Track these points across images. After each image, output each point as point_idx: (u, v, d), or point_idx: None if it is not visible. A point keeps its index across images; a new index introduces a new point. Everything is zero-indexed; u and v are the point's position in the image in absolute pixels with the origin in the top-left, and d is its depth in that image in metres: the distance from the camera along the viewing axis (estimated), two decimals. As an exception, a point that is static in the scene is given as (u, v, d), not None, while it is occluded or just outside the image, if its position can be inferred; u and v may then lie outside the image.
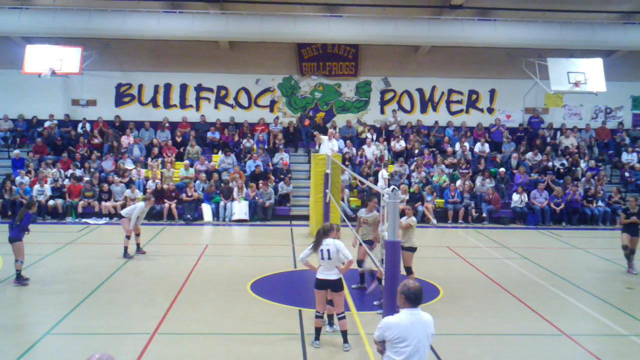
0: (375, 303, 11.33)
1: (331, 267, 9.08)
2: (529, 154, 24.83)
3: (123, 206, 19.45)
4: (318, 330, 9.34)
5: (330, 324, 9.94)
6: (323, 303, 9.33)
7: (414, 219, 11.79)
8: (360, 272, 12.53)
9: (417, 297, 5.58)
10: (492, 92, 27.13)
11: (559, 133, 26.57)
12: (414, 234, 11.74)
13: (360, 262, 12.21)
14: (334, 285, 9.10)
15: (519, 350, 9.48)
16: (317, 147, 21.00)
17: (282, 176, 23.06)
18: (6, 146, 24.79)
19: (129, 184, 21.86)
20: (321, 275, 9.14)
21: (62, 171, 22.68)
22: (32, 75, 22.61)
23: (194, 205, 21.53)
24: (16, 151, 23.82)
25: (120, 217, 15.75)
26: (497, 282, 13.52)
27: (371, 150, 24.16)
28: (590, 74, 23.26)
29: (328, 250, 9.05)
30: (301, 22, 22.96)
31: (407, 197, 20.86)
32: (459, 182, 22.72)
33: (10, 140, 24.96)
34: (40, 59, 22.24)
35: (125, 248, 15.23)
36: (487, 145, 25.29)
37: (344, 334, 9.19)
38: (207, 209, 21.43)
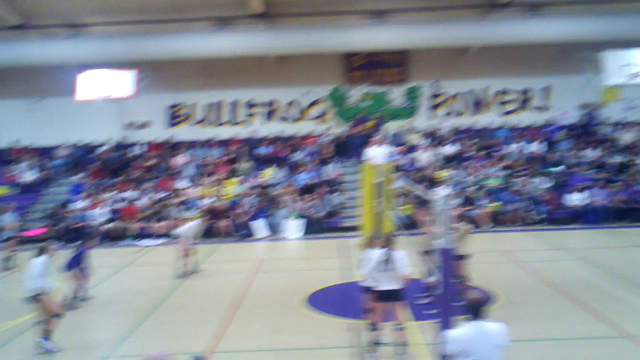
0: (427, 312, 11.10)
1: (394, 277, 8.94)
2: (587, 151, 24.10)
3: (176, 226, 19.71)
4: (376, 343, 9.19)
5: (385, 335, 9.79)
6: (384, 314, 9.20)
7: (469, 226, 11.52)
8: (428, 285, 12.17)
9: (476, 308, 5.44)
10: (546, 90, 26.48)
11: (617, 128, 25.71)
12: (467, 242, 11.45)
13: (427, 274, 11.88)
14: (397, 295, 8.98)
15: (581, 354, 9.19)
16: (367, 155, 20.82)
17: (332, 187, 22.99)
18: (66, 172, 25.48)
19: (183, 203, 22.14)
20: (385, 286, 8.98)
21: (117, 194, 23.15)
22: (83, 102, 23.17)
23: (248, 221, 21.64)
24: (75, 177, 24.44)
25: (176, 236, 15.91)
26: (558, 285, 13.11)
27: (423, 156, 23.87)
28: (647, 65, 22.45)
29: (391, 262, 8.92)
30: (348, 32, 22.84)
31: (460, 201, 20.50)
32: (513, 184, 22.24)
33: (70, 166, 25.63)
34: (94, 84, 22.81)
35: (182, 267, 15.38)
36: (542, 144, 24.64)
37: (403, 345, 9.02)
38: (259, 225, 21.48)
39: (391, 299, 9.00)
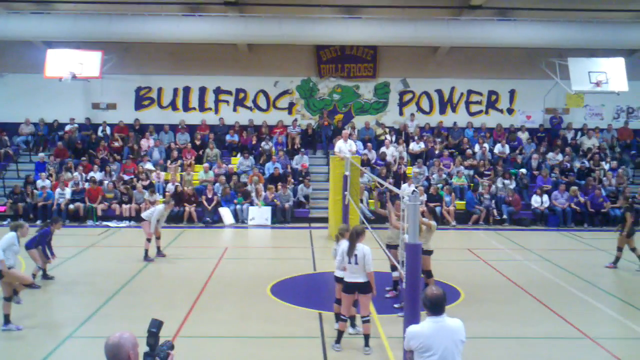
0: (395, 306, 11.26)
1: (359, 271, 9.03)
2: (550, 155, 24.61)
3: (141, 209, 19.57)
4: (341, 334, 9.29)
5: (353, 325, 9.90)
6: (350, 306, 9.31)
7: (434, 223, 11.64)
8: (394, 279, 12.19)
9: (436, 305, 5.47)
10: (512, 93, 26.91)
11: (580, 133, 26.32)
12: (431, 237, 11.58)
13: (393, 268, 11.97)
14: (363, 288, 9.05)
15: (541, 353, 9.40)
16: (335, 149, 20.93)
17: (301, 178, 23.07)
18: (28, 150, 25.03)
19: (148, 187, 21.96)
20: (350, 278, 9.08)
21: (82, 174, 22.85)
22: (52, 80, 22.87)
23: (213, 208, 21.58)
24: (41, 154, 24.04)
25: (141, 220, 15.81)
26: (519, 284, 13.39)
27: (390, 152, 24.09)
28: (611, 74, 23.01)
29: (356, 256, 9.00)
30: (319, 24, 22.95)
31: (425, 198, 20.79)
32: (478, 184, 22.61)
33: (32, 144, 25.19)
34: (61, 63, 22.48)
35: (146, 251, 15.29)
36: (507, 146, 25.08)
37: (367, 337, 9.14)
38: (226, 212, 21.43)
39: (357, 291, 9.10)
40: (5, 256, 9.80)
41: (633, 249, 15.12)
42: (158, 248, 15.76)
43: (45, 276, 13.20)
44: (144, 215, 15.81)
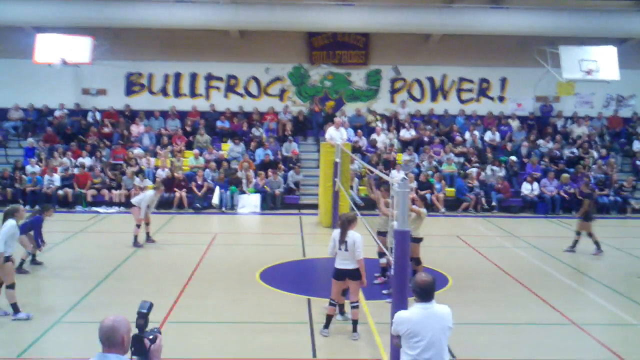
0: (384, 292, 11.32)
1: (350, 257, 9.06)
2: (540, 142, 24.70)
3: (131, 195, 19.54)
4: (329, 319, 9.34)
5: (342, 312, 9.95)
6: (339, 292, 9.36)
7: (424, 210, 11.68)
8: (382, 265, 12.27)
9: (425, 291, 5.52)
10: (504, 81, 26.92)
11: (570, 121, 26.41)
12: (421, 225, 11.63)
13: (381, 255, 11.98)
14: (352, 274, 9.10)
15: (528, 339, 9.48)
16: (326, 136, 20.94)
17: (291, 165, 23.07)
18: (17, 135, 24.90)
19: (138, 173, 21.90)
20: (340, 265, 9.13)
21: (72, 160, 22.76)
22: (42, 65, 22.64)
23: (204, 194, 21.56)
24: (30, 140, 23.90)
25: (131, 205, 15.79)
26: (507, 271, 13.48)
27: (381, 139, 24.11)
28: (602, 62, 23.06)
29: (346, 243, 9.03)
30: (311, 11, 22.86)
31: (415, 185, 20.86)
32: (469, 172, 22.69)
33: (21, 129, 25.04)
34: (51, 48, 22.26)
35: (135, 237, 15.28)
36: (497, 134, 25.14)
37: (355, 323, 9.21)
38: (216, 199, 21.35)
39: (347, 277, 9.14)
40: (7, 245, 9.74)
41: (590, 234, 15.43)
42: (147, 234, 15.75)
43: (35, 262, 13.18)
44: (133, 201, 15.79)
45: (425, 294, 5.51)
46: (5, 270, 9.82)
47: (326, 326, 9.32)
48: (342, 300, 9.80)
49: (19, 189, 21.27)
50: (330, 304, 9.34)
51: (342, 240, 9.05)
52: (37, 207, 13.96)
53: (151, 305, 4.32)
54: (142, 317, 4.27)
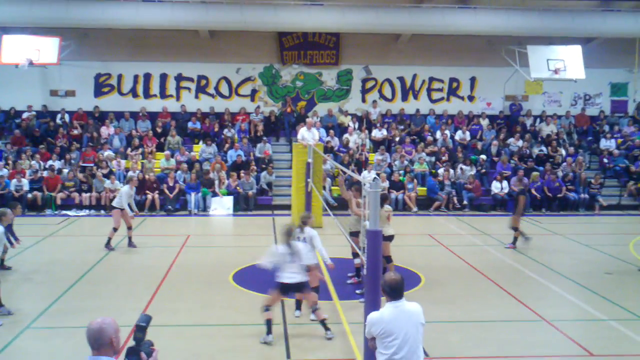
0: (357, 292, 11.36)
1: (298, 269, 8.98)
2: (510, 141, 24.98)
3: (102, 198, 19.33)
4: (269, 323, 9.13)
5: (299, 307, 10.18)
6: (277, 301, 9.35)
7: (387, 207, 11.76)
8: (356, 266, 12.24)
9: (395, 289, 5.55)
10: (473, 80, 27.20)
11: (538, 120, 26.75)
12: (389, 222, 11.70)
13: (355, 255, 11.96)
14: (301, 287, 9.09)
15: (501, 336, 9.59)
16: (298, 136, 20.93)
17: (263, 166, 23.02)
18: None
19: (109, 175, 21.67)
20: (287, 279, 8.97)
21: (41, 163, 22.44)
22: (8, 66, 22.34)
23: (175, 196, 21.42)
24: (2, 143, 23.54)
25: (112, 208, 15.54)
26: (478, 269, 13.62)
27: (353, 139, 24.18)
28: (569, 61, 23.46)
29: (297, 254, 8.99)
30: (282, 11, 22.87)
31: (387, 185, 20.97)
32: (440, 171, 22.87)
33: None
34: (18, 49, 22.04)
35: (109, 239, 15.08)
36: (467, 133, 25.38)
37: (323, 322, 9.21)
38: (188, 200, 21.26)
39: (294, 291, 9.21)
40: None
41: (515, 228, 15.81)
42: (130, 238, 15.51)
43: (2, 267, 12.98)
44: (114, 203, 15.48)
45: (395, 292, 5.54)
46: None
47: (268, 332, 9.10)
48: (299, 297, 9.93)
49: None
50: (266, 309, 9.14)
51: (291, 251, 8.96)
52: (2, 208, 13.69)
53: (150, 319, 4.31)
54: (141, 331, 4.27)
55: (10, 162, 22.31)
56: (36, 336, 9.44)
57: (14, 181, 21.09)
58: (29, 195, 20.95)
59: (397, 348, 5.43)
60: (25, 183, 21.14)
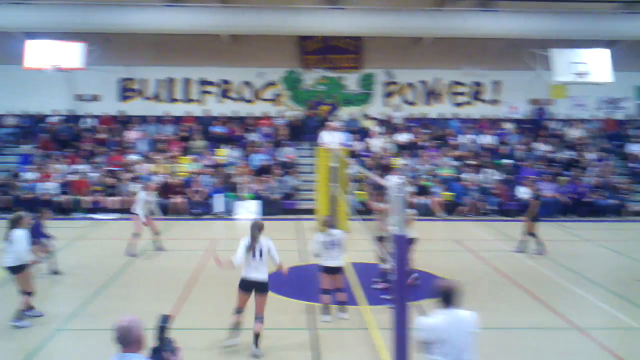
0: (384, 297, 11.29)
1: (262, 266, 8.85)
2: (536, 145, 24.77)
3: (128, 202, 19.42)
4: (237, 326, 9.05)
5: (328, 312, 10.22)
6: (245, 302, 9.00)
7: (410, 210, 11.68)
8: (383, 271, 12.26)
9: (449, 296, 5.56)
10: (497, 84, 27.05)
11: (564, 124, 26.48)
12: (412, 226, 11.62)
13: (382, 260, 11.89)
14: (261, 287, 8.86)
15: (530, 343, 9.46)
16: (321, 140, 20.89)
17: (287, 170, 23.03)
18: (12, 142, 24.75)
19: (135, 179, 21.82)
20: (250, 275, 8.81)
21: (68, 167, 22.66)
22: (33, 71, 22.59)
23: (201, 199, 21.49)
24: (26, 147, 23.79)
25: (133, 214, 15.65)
26: (507, 274, 13.50)
27: (376, 143, 24.11)
28: (594, 65, 23.15)
29: (261, 250, 8.85)
30: (303, 15, 22.89)
31: (413, 189, 20.88)
32: (465, 175, 22.72)
33: (16, 136, 24.89)
34: (42, 54, 22.24)
35: (131, 245, 15.08)
36: (492, 137, 25.19)
37: (257, 337, 8.81)
38: (213, 204, 21.35)
39: (255, 289, 8.87)
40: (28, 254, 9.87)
41: (531, 234, 15.65)
42: (157, 243, 15.54)
43: (55, 272, 13.13)
44: (133, 209, 15.58)
45: (449, 299, 5.55)
46: (27, 278, 9.92)
47: (233, 336, 9.02)
48: (327, 301, 10.07)
49: (15, 196, 21.15)
50: (238, 312, 9.03)
51: (253, 248, 8.81)
52: (32, 214, 13.82)
53: (169, 318, 4.38)
54: (164, 331, 4.34)
55: (38, 166, 22.54)
56: (68, 337, 9.54)
57: (42, 184, 21.31)
58: (57, 199, 21.14)
59: (447, 355, 5.42)
60: (53, 186, 21.36)
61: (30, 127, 25.30)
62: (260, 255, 8.81)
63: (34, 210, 13.68)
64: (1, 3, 22.24)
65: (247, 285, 8.80)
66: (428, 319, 5.67)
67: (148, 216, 15.36)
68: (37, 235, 12.58)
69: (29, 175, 21.75)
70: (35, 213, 13.35)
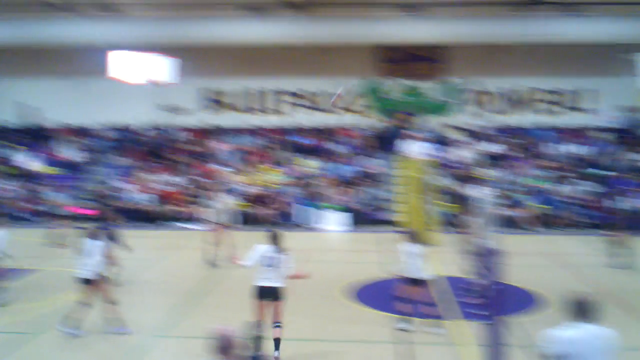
0: (477, 312, 11.00)
1: (276, 274, 8.89)
2: (631, 155, 23.66)
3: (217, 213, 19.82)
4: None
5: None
6: (263, 311, 8.88)
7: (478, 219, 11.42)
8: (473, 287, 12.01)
9: (584, 310, 5.29)
10: (591, 91, 25.98)
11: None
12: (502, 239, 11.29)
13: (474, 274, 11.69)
14: (277, 294, 8.89)
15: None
16: (407, 150, 20.68)
17: (373, 181, 22.96)
18: (110, 153, 25.76)
19: (223, 190, 22.24)
20: (263, 282, 8.89)
21: (160, 177, 23.39)
22: (122, 84, 23.28)
23: (287, 210, 21.71)
24: (121, 158, 24.76)
25: (216, 223, 15.89)
26: (609, 292, 12.80)
27: (464, 154, 23.69)
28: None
29: (277, 259, 8.92)
30: (383, 23, 22.92)
31: (500, 201, 20.37)
32: (558, 187, 21.99)
33: (114, 148, 25.90)
34: (131, 67, 22.83)
35: (212, 256, 15.24)
36: (587, 147, 24.26)
37: (277, 341, 8.59)
38: (301, 215, 21.56)
39: (270, 296, 8.87)
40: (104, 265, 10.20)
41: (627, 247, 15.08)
42: (216, 256, 15.40)
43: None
44: (218, 219, 15.80)
45: (584, 313, 5.30)
46: (105, 288, 10.22)
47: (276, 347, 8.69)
48: (406, 310, 10.12)
49: (113, 206, 21.95)
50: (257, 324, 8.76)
51: (272, 256, 8.90)
52: (101, 224, 13.99)
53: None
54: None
55: (133, 176, 23.37)
56: (168, 344, 9.89)
57: (137, 195, 22.09)
58: (150, 209, 21.84)
59: None
60: (146, 197, 22.10)
61: (127, 138, 26.24)
62: (276, 263, 8.90)
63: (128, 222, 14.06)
64: (91, 18, 23.10)
65: (263, 293, 8.88)
66: (561, 331, 5.32)
67: (228, 225, 15.54)
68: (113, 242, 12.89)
69: (125, 186, 22.55)
70: (101, 224, 13.65)
